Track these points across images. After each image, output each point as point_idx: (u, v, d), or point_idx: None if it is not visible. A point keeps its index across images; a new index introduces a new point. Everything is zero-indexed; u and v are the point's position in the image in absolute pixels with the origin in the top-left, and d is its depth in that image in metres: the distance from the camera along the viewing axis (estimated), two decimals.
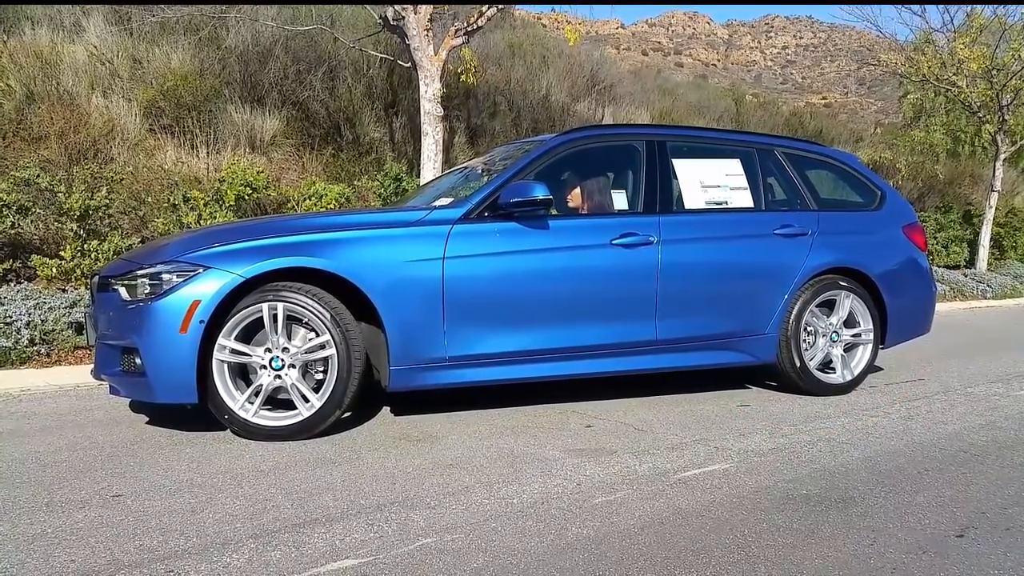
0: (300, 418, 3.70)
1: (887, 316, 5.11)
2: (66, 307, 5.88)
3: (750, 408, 4.62)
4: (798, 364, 4.83)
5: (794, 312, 4.81)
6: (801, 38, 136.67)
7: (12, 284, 6.47)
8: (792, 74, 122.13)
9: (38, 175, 6.93)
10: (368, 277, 3.78)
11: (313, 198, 8.26)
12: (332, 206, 8.16)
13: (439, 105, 8.67)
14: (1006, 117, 15.32)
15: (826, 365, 5.02)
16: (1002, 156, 15.65)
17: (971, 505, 2.95)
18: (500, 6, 9.09)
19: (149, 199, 8.00)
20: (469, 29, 8.75)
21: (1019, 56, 14.49)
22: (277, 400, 3.78)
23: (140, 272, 3.62)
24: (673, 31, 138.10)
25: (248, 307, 3.62)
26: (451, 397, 4.64)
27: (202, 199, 7.50)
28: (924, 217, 15.22)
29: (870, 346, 5.08)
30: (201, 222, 7.32)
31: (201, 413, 3.78)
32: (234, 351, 3.64)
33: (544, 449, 3.63)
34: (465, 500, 2.91)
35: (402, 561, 2.36)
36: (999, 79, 14.84)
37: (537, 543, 2.51)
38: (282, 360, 3.69)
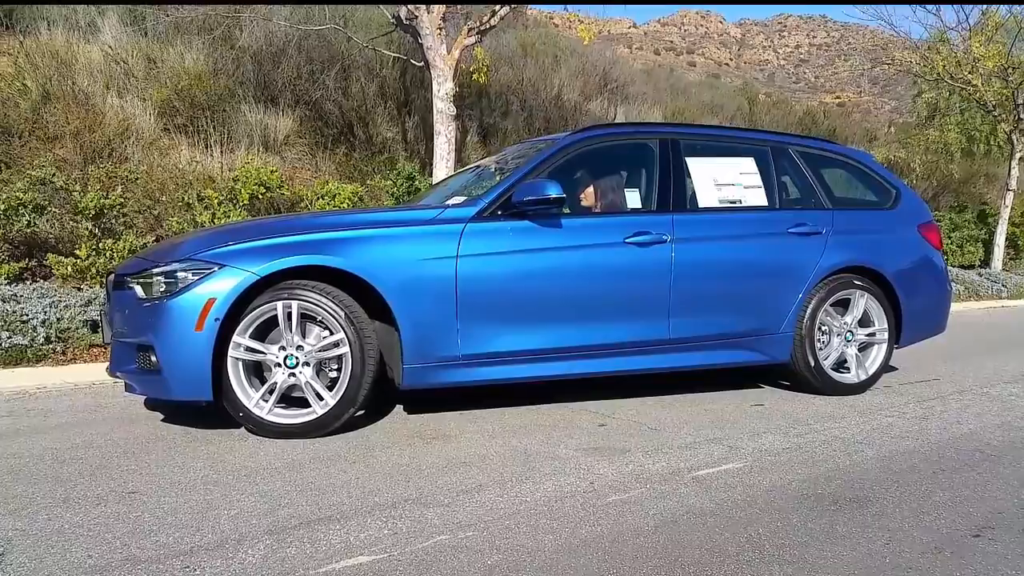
0: (314, 416, 3.72)
1: (902, 315, 5.08)
2: (81, 305, 5.92)
3: (764, 407, 4.60)
4: (812, 363, 4.81)
5: (808, 311, 4.78)
6: (815, 37, 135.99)
7: (28, 283, 6.52)
8: (805, 73, 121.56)
9: (54, 174, 6.99)
10: (382, 275, 3.78)
11: (326, 197, 8.28)
12: (345, 205, 8.18)
13: (452, 104, 8.68)
14: (1022, 116, 15.21)
15: (840, 364, 5.00)
16: (1017, 155, 15.54)
17: (987, 505, 2.94)
18: (513, 6, 9.09)
19: (163, 198, 8.05)
20: (482, 28, 8.76)
21: None
22: (291, 398, 3.80)
23: (156, 270, 3.64)
24: (686, 30, 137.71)
25: (263, 305, 3.63)
26: (464, 396, 4.65)
27: (216, 198, 7.54)
28: (939, 216, 15.14)
29: (885, 345, 5.05)
30: (215, 221, 7.35)
31: (216, 411, 3.80)
32: (249, 349, 3.65)
33: (557, 448, 3.63)
34: (479, 498, 2.92)
35: (417, 558, 2.36)
36: (1015, 78, 14.73)
37: (551, 541, 2.52)
38: (296, 358, 3.71)
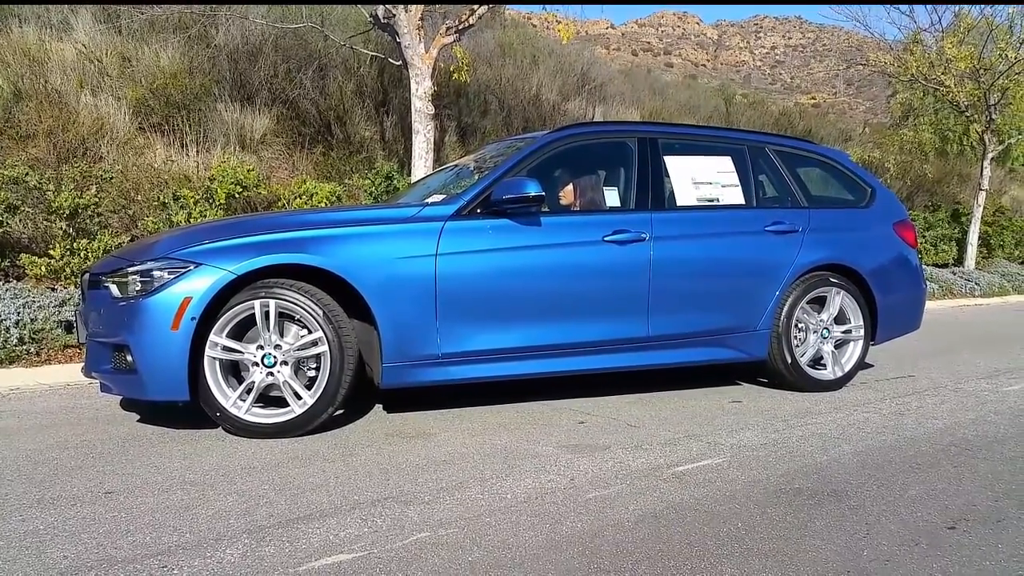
0: (293, 415, 3.69)
1: (877, 313, 5.13)
2: (55, 306, 5.84)
3: (742, 404, 4.63)
4: (789, 360, 4.85)
5: (785, 309, 4.82)
6: (790, 38, 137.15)
7: (1, 283, 6.42)
8: (781, 74, 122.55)
9: (27, 173, 6.88)
10: (361, 274, 3.77)
11: (304, 196, 8.23)
12: (323, 205, 8.14)
13: (430, 103, 8.65)
14: (993, 116, 15.43)
15: (817, 361, 5.05)
16: (989, 155, 15.76)
17: (962, 498, 2.97)
18: (491, 5, 9.08)
19: (139, 198, 7.97)
20: (460, 28, 8.74)
21: (1006, 56, 14.59)
22: (269, 397, 3.77)
23: (131, 269, 3.60)
24: (663, 31, 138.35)
25: (240, 304, 3.60)
26: (443, 394, 4.64)
27: (192, 197, 7.46)
28: (913, 216, 15.29)
29: (860, 342, 5.10)
30: (191, 220, 7.28)
31: (193, 411, 3.77)
32: (226, 348, 3.62)
33: (537, 445, 3.63)
34: (459, 495, 2.91)
35: (396, 555, 2.35)
36: (986, 79, 14.94)
37: (531, 537, 2.51)
38: (274, 357, 3.68)
